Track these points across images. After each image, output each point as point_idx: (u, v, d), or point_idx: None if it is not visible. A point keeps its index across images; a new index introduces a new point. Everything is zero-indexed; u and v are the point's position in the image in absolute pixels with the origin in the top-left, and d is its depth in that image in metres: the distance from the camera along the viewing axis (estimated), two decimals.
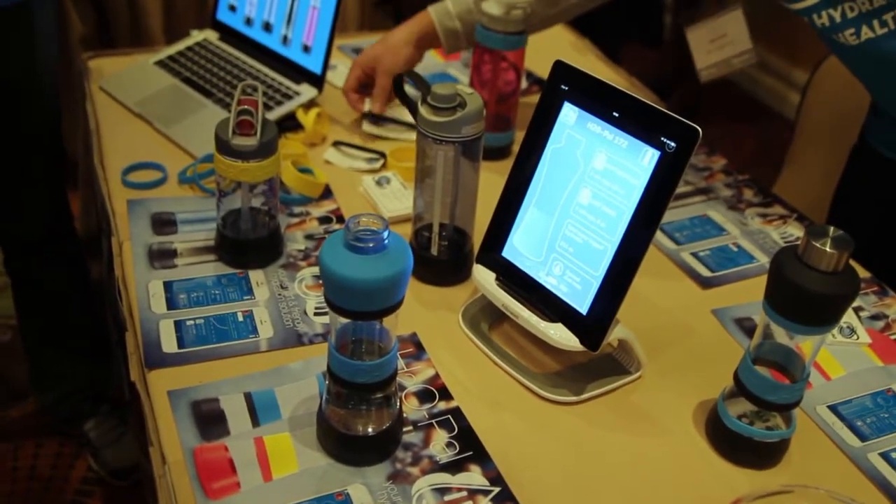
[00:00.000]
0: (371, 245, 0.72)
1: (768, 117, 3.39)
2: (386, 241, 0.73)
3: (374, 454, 0.84)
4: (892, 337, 1.07)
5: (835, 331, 1.06)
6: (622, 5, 2.98)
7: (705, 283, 1.13)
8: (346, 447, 0.83)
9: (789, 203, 1.31)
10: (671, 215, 1.25)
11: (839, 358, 1.03)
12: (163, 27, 2.32)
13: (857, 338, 1.07)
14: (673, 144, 0.83)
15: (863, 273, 1.16)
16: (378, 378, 0.79)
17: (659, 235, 1.20)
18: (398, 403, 0.85)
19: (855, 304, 1.12)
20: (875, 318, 1.10)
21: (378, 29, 1.73)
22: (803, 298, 0.78)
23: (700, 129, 0.82)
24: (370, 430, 0.83)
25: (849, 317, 1.09)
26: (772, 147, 3.06)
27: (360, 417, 0.83)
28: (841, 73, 1.55)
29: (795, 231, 1.24)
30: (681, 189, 1.31)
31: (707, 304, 1.10)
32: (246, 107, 0.99)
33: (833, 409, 0.96)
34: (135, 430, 1.52)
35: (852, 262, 0.79)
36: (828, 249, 0.76)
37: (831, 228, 0.78)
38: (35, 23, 1.38)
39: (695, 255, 1.18)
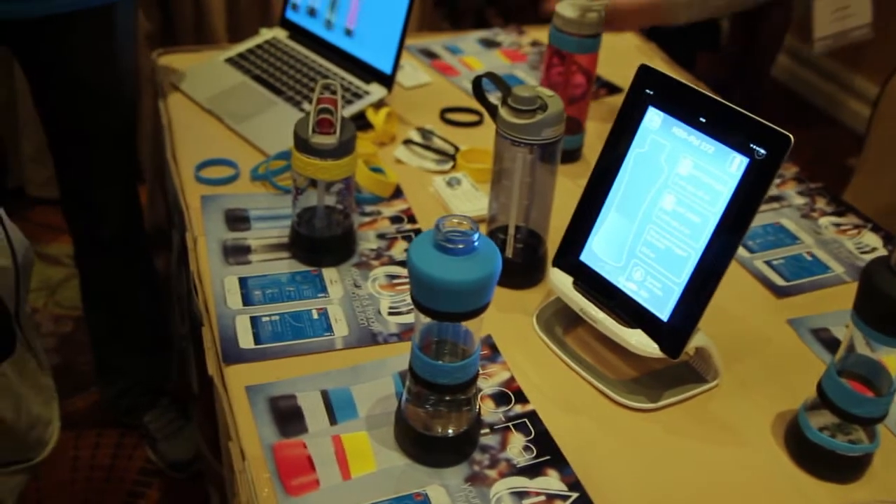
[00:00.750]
0: (461, 246, 0.72)
1: (826, 124, 3.34)
2: (475, 243, 0.73)
3: (453, 455, 0.84)
4: None
5: None
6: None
7: (780, 293, 1.11)
8: (424, 447, 0.83)
9: (863, 212, 1.28)
10: None
11: None
12: (226, 25, 2.34)
13: None
14: (763, 151, 0.81)
15: None
16: (460, 380, 0.79)
17: None
18: (477, 406, 0.85)
19: None
20: None
21: (436, 29, 1.73)
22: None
23: (791, 137, 0.80)
24: (449, 431, 0.83)
25: None
26: (830, 154, 3.00)
27: (439, 418, 0.83)
28: None
29: (871, 241, 1.22)
30: None
31: (782, 313, 1.08)
32: (326, 105, 1.00)
33: None
34: (201, 424, 1.53)
35: None
36: None
37: None
38: (117, 23, 1.40)
39: (768, 263, 1.16)
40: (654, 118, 0.90)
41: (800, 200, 1.31)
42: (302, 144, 1.00)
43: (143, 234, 1.68)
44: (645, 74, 0.91)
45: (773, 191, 1.32)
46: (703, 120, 0.86)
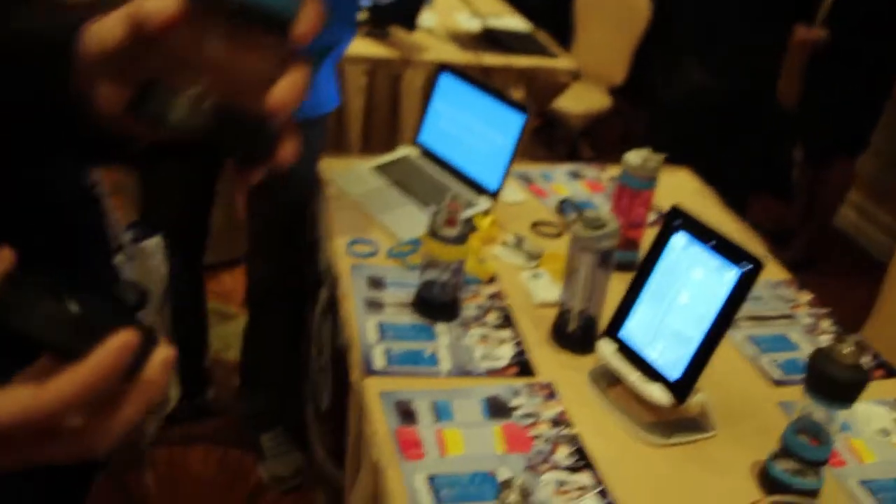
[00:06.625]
0: None
1: (880, 272, 3.65)
2: None
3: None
4: None
5: (875, 432, 1.38)
6: (754, 158, 3.33)
7: (777, 383, 1.47)
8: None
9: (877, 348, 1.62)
10: (756, 330, 1.60)
11: (874, 449, 1.35)
12: (360, 136, 2.86)
13: (892, 439, 1.38)
14: (749, 267, 1.20)
15: None
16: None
17: (744, 343, 1.55)
18: None
19: (894, 415, 1.43)
20: None
21: (533, 155, 2.16)
22: (830, 383, 1.13)
23: (763, 260, 1.19)
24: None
25: (885, 422, 1.41)
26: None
27: None
28: None
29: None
30: (767, 312, 1.66)
31: (777, 397, 1.43)
32: (453, 208, 1.43)
33: (862, 483, 1.28)
34: (323, 436, 1.92)
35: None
36: (848, 349, 1.12)
37: (853, 338, 1.13)
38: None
39: (771, 361, 1.52)
40: (679, 239, 1.30)
41: (808, 321, 1.67)
42: (433, 232, 1.43)
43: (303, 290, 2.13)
44: (676, 211, 1.32)
45: (785, 310, 1.69)
46: (712, 243, 1.25)
